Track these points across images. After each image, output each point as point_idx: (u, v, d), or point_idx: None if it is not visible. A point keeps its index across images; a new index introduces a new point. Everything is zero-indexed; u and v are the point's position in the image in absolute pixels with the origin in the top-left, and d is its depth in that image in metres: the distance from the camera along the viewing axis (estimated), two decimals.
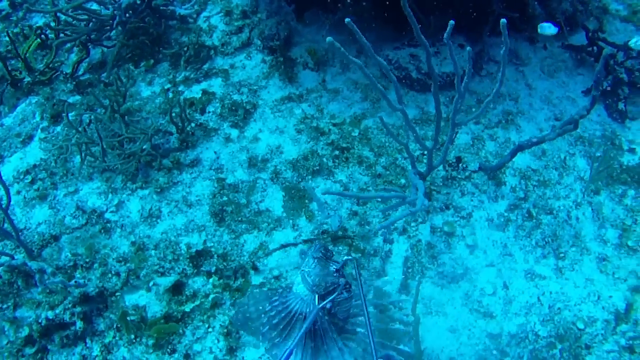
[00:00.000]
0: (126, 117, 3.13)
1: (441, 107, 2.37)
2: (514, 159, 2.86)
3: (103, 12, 3.63)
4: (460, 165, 2.98)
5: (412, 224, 2.78)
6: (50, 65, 3.60)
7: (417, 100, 3.34)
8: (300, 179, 2.96)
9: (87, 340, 2.50)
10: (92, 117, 3.19)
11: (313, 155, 3.03)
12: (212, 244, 2.73)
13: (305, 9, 3.68)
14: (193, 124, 3.21)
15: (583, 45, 3.55)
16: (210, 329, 2.49)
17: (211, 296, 2.56)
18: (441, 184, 2.93)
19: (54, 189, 3.01)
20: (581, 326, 2.50)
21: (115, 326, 2.51)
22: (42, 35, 3.75)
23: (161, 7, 3.75)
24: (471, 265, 2.68)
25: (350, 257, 2.07)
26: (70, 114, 3.24)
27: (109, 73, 3.53)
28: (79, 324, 2.49)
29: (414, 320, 2.44)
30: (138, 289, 2.62)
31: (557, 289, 2.62)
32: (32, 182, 3.05)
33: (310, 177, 2.96)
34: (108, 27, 3.62)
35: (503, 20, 1.87)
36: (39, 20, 4.00)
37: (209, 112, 3.31)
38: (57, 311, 2.49)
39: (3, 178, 2.60)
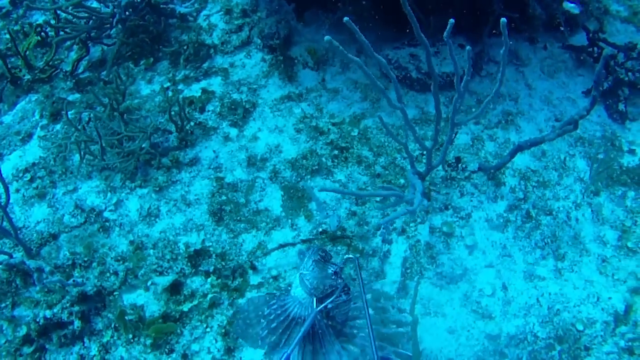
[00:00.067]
0: (125, 115, 3.13)
1: (441, 107, 2.36)
2: (513, 160, 2.85)
3: (103, 10, 3.62)
4: (459, 165, 2.97)
5: (411, 224, 2.77)
6: (50, 63, 3.60)
7: (416, 100, 3.33)
8: (299, 179, 2.96)
9: (85, 340, 2.49)
10: (92, 115, 3.18)
11: (312, 155, 3.02)
12: (210, 244, 2.73)
13: (305, 8, 3.67)
14: (192, 123, 3.20)
15: (583, 45, 3.54)
16: (208, 329, 2.48)
17: (209, 296, 2.55)
18: (442, 184, 2.92)
19: (53, 188, 3.01)
20: (580, 327, 2.49)
21: (113, 325, 2.50)
22: (42, 33, 3.74)
23: (161, 5, 3.74)
24: (470, 265, 2.67)
25: (350, 256, 2.06)
26: (69, 112, 3.23)
27: (108, 71, 3.53)
28: (77, 323, 2.48)
29: (412, 321, 2.43)
30: (136, 289, 2.62)
31: (556, 290, 2.62)
32: (31, 180, 3.05)
33: (309, 176, 2.96)
34: (108, 25, 3.61)
35: (503, 20, 1.86)
36: (39, 18, 3.99)
37: (209, 110, 3.30)
38: (55, 310, 2.49)
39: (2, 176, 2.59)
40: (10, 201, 2.83)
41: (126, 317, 2.48)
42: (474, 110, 3.23)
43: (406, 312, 2.45)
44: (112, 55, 3.56)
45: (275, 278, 2.60)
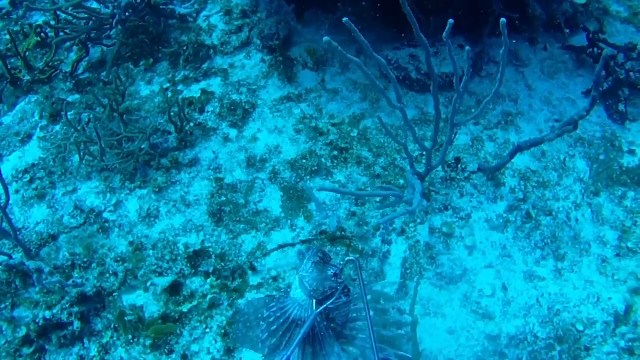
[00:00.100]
0: (125, 116, 3.13)
1: (440, 107, 2.36)
2: (513, 160, 2.85)
3: (103, 11, 3.62)
4: (459, 165, 2.97)
5: (411, 225, 2.77)
6: (50, 64, 3.60)
7: (416, 100, 3.33)
8: (298, 179, 2.95)
9: (85, 340, 2.49)
10: (91, 116, 3.18)
11: (311, 155, 3.02)
12: (210, 244, 2.72)
13: (305, 9, 3.67)
14: (192, 123, 3.20)
15: (583, 46, 3.54)
16: (207, 330, 2.48)
17: (209, 296, 2.55)
18: (441, 185, 2.92)
19: (52, 188, 3.01)
20: (580, 328, 2.49)
21: (112, 326, 2.50)
22: (42, 34, 3.74)
23: (161, 6, 3.74)
24: (470, 266, 2.67)
25: (351, 258, 2.05)
26: (69, 113, 3.23)
27: (108, 72, 3.53)
28: (77, 324, 2.48)
29: (412, 321, 2.43)
30: (135, 289, 2.62)
31: (556, 291, 2.61)
32: (31, 181, 3.05)
33: (308, 177, 2.96)
34: (107, 26, 3.61)
35: (503, 20, 1.86)
36: (39, 19, 3.99)
37: (208, 111, 3.30)
38: (54, 311, 2.48)
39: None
40: (10, 202, 2.83)
41: (126, 318, 2.48)
42: (473, 110, 3.23)
43: (406, 313, 2.45)
44: (112, 56, 3.56)
45: (275, 278, 2.60)
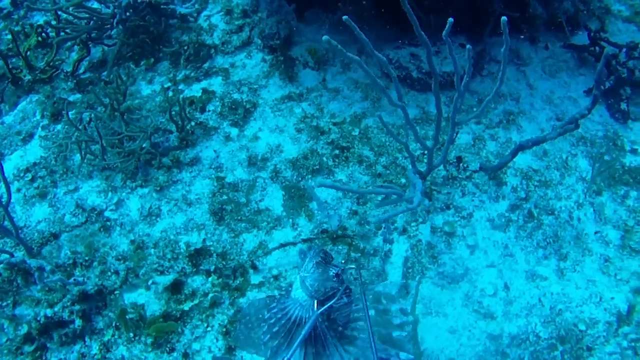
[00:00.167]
0: (126, 115, 3.13)
1: (442, 106, 2.35)
2: (515, 159, 2.84)
3: (104, 11, 3.63)
4: (461, 165, 2.96)
5: (413, 224, 2.76)
6: (51, 64, 3.60)
7: (417, 99, 3.32)
8: (300, 178, 2.95)
9: (86, 339, 2.49)
10: (92, 115, 3.18)
11: (313, 155, 3.02)
12: (211, 243, 2.72)
13: (305, 8, 3.68)
14: (193, 123, 3.20)
15: (585, 45, 3.53)
16: (209, 328, 2.48)
17: (210, 295, 2.55)
18: (443, 184, 2.91)
19: (54, 187, 3.01)
20: (583, 328, 2.48)
21: (114, 324, 2.50)
22: (43, 34, 3.75)
23: (162, 6, 3.75)
24: (472, 265, 2.66)
25: (353, 267, 2.04)
26: (70, 112, 3.24)
27: (109, 71, 3.53)
28: (78, 322, 2.48)
29: (413, 321, 2.42)
30: (137, 288, 2.62)
31: (558, 290, 2.60)
32: (32, 180, 3.05)
33: (310, 176, 2.95)
34: (109, 26, 3.62)
35: (504, 18, 1.86)
36: (40, 19, 4.00)
37: (209, 110, 3.30)
38: (56, 309, 2.48)
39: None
40: (12, 200, 2.83)
41: (127, 316, 2.48)
42: (475, 109, 3.23)
43: (408, 313, 2.44)
44: (113, 55, 3.56)
45: (276, 277, 2.60)
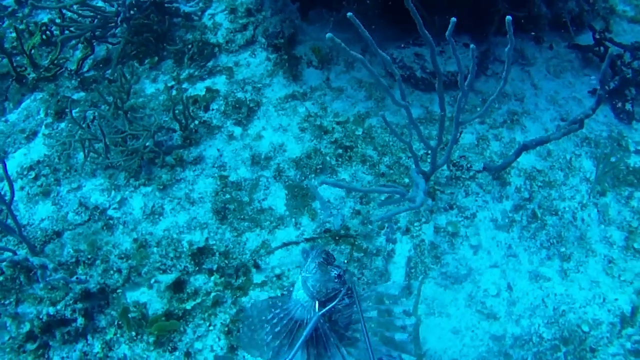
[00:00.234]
0: (129, 114, 3.13)
1: (446, 106, 2.35)
2: (518, 159, 2.83)
3: (108, 9, 3.63)
4: (464, 165, 2.95)
5: (416, 224, 2.76)
6: (55, 62, 3.61)
7: (421, 99, 3.32)
8: (303, 178, 2.95)
9: (89, 337, 2.49)
10: (96, 113, 3.19)
11: (316, 154, 3.01)
12: (214, 242, 2.72)
13: (309, 7, 3.67)
14: (196, 121, 3.20)
15: (590, 45, 3.52)
16: (211, 327, 2.48)
17: (212, 294, 2.55)
18: (447, 184, 2.91)
19: (57, 185, 3.02)
20: (586, 329, 2.47)
21: (116, 323, 2.50)
22: (47, 32, 3.76)
23: (166, 4, 3.75)
24: (475, 265, 2.65)
25: (353, 277, 2.04)
26: (74, 111, 3.24)
27: (113, 70, 3.53)
28: (80, 321, 2.48)
29: (415, 321, 2.41)
30: (139, 286, 2.62)
31: (561, 291, 2.59)
32: (36, 178, 3.06)
33: (313, 175, 2.95)
34: (113, 24, 3.63)
35: (508, 18, 1.85)
36: (44, 17, 4.01)
37: (213, 109, 3.30)
38: (58, 307, 2.49)
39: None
40: (15, 198, 2.84)
41: (129, 315, 2.48)
42: (479, 109, 3.22)
43: (410, 314, 2.44)
44: (117, 54, 3.56)
45: (279, 277, 2.59)
